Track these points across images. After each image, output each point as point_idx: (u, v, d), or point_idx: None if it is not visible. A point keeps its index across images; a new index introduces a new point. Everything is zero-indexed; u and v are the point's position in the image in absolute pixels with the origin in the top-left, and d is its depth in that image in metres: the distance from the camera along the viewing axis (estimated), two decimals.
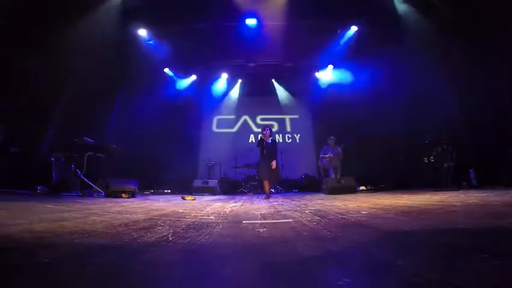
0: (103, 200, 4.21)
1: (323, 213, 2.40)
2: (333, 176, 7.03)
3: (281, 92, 10.82)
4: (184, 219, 2.13)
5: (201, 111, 10.84)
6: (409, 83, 7.26)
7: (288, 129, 10.88)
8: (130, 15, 6.71)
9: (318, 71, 9.79)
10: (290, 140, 10.70)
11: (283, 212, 2.63)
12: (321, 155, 7.58)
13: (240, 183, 8.72)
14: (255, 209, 2.98)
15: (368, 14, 7.00)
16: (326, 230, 1.55)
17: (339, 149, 7.10)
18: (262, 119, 10.93)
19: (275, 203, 3.88)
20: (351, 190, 5.95)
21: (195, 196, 5.66)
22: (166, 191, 7.88)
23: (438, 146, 5.55)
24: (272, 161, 5.37)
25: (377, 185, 7.31)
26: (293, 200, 4.39)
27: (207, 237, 1.43)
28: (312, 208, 2.89)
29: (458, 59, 5.93)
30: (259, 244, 1.27)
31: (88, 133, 5.61)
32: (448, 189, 4.74)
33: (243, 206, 3.43)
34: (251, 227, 1.77)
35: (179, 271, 0.88)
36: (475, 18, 5.39)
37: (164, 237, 1.37)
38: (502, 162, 5.16)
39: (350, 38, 7.96)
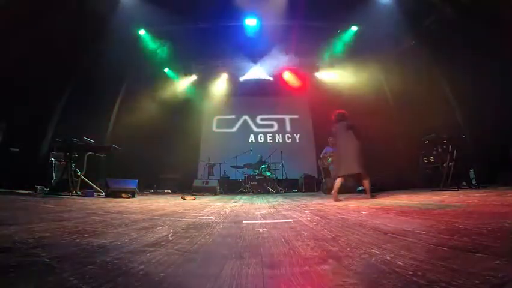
0: (103, 200, 4.21)
1: (323, 213, 2.40)
2: (334, 173, 7.01)
3: (281, 91, 10.82)
4: (184, 219, 2.13)
5: (201, 111, 10.84)
6: (410, 83, 7.26)
7: (288, 129, 10.88)
8: (130, 15, 6.71)
9: (318, 71, 9.80)
10: (290, 139, 10.69)
11: (283, 212, 2.63)
12: (321, 155, 7.58)
13: (240, 183, 8.72)
14: (255, 209, 2.98)
15: (368, 14, 7.00)
16: (326, 230, 1.55)
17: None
18: (262, 119, 10.93)
19: (275, 203, 3.88)
20: (351, 190, 5.95)
21: (195, 196, 5.65)
22: (166, 191, 7.88)
23: (438, 146, 5.55)
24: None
25: (377, 185, 7.29)
26: (293, 200, 4.39)
27: (207, 237, 1.43)
28: (312, 208, 2.90)
29: (459, 58, 5.94)
30: (259, 244, 1.27)
31: (88, 133, 5.61)
32: (447, 189, 4.74)
33: (243, 206, 3.43)
34: (251, 227, 1.77)
35: (179, 271, 0.88)
36: (476, 18, 5.39)
37: (165, 237, 1.37)
38: (502, 162, 5.17)
39: (350, 38, 7.96)
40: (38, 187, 4.73)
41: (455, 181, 4.96)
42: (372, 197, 4.07)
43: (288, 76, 10.33)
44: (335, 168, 4.50)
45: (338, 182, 4.26)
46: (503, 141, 5.33)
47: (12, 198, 3.58)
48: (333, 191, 4.21)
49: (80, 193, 4.83)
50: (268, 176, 8.52)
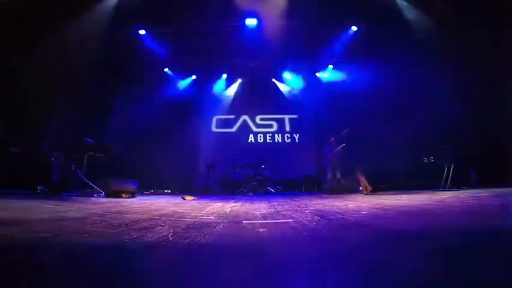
0: (103, 200, 4.21)
1: (323, 213, 2.40)
2: (331, 175, 7.01)
3: (280, 91, 10.82)
4: (184, 219, 2.13)
5: (201, 111, 10.84)
6: (410, 83, 7.26)
7: (288, 128, 10.88)
8: (129, 15, 6.71)
9: (318, 71, 9.80)
10: (289, 139, 10.70)
11: (283, 212, 2.62)
12: (321, 153, 7.58)
13: (240, 183, 8.72)
14: (255, 209, 2.98)
15: (368, 13, 7.00)
16: (326, 230, 1.55)
17: (340, 148, 7.06)
18: (261, 119, 10.93)
19: (275, 203, 3.87)
20: (351, 190, 5.95)
21: (195, 196, 5.65)
22: (166, 191, 7.88)
23: (438, 146, 5.56)
24: None
25: (377, 185, 7.29)
26: (293, 200, 4.39)
27: (207, 237, 1.43)
28: (312, 208, 2.89)
29: (460, 58, 5.94)
30: (259, 244, 1.27)
31: (87, 133, 5.61)
32: (447, 189, 4.74)
33: (243, 206, 3.43)
34: (251, 227, 1.77)
35: (179, 271, 0.88)
36: (477, 17, 5.39)
37: (165, 237, 1.37)
38: (502, 162, 5.17)
39: (350, 38, 7.96)
40: (38, 187, 4.73)
41: (455, 181, 4.96)
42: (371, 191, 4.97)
43: (287, 76, 10.33)
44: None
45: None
46: (504, 142, 5.33)
47: (12, 198, 3.58)
48: (366, 188, 5.27)
49: (80, 193, 4.83)
50: (268, 176, 8.52)
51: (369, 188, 5.21)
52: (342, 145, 6.99)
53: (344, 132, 6.81)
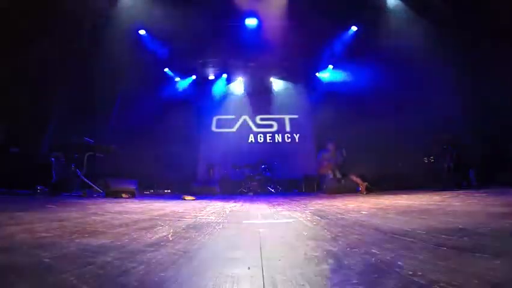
0: (103, 200, 4.21)
1: (323, 213, 2.40)
2: (331, 175, 7.02)
3: (281, 91, 10.83)
4: (184, 219, 2.13)
5: (201, 111, 10.84)
6: (410, 82, 7.26)
7: (288, 129, 10.88)
8: (130, 15, 6.71)
9: (318, 71, 9.79)
10: (289, 139, 10.69)
11: (283, 212, 2.62)
12: (318, 157, 7.58)
13: (240, 183, 8.72)
14: (255, 209, 2.98)
15: (368, 13, 7.01)
16: (325, 230, 1.55)
17: (339, 156, 7.05)
18: (261, 119, 10.93)
19: (275, 203, 3.88)
20: (351, 190, 5.95)
21: (195, 196, 5.65)
22: (166, 191, 7.87)
23: (438, 146, 5.56)
24: None
25: (377, 185, 7.30)
26: (293, 200, 4.39)
27: (207, 237, 1.43)
28: (312, 208, 2.89)
29: (460, 58, 5.94)
30: (260, 244, 1.27)
31: (88, 133, 5.61)
32: (448, 189, 4.74)
33: (243, 206, 3.43)
34: (251, 227, 1.77)
35: (179, 271, 0.88)
36: (477, 17, 5.40)
37: (165, 237, 1.37)
38: (502, 162, 5.17)
39: (349, 38, 7.97)
40: (38, 187, 4.73)
41: (455, 181, 4.96)
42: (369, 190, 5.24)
43: (287, 76, 10.33)
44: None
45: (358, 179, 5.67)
46: (503, 141, 5.33)
47: (12, 198, 3.58)
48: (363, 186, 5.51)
49: (80, 193, 4.83)
50: (268, 176, 8.53)
51: (365, 184, 5.33)
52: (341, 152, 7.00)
53: (343, 152, 6.88)
